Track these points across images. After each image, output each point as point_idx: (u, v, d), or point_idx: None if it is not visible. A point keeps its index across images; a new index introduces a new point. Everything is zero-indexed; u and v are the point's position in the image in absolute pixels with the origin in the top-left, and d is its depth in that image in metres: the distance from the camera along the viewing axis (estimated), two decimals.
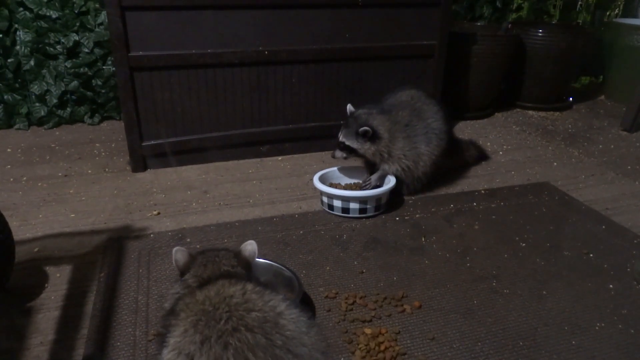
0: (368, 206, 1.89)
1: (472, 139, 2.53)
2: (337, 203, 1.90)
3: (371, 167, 2.08)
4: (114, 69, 2.70)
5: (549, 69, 3.13)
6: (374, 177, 2.02)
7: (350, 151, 2.00)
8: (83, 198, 2.04)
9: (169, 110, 2.27)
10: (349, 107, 2.07)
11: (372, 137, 1.95)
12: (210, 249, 1.11)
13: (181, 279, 1.04)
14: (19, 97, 2.72)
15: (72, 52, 2.70)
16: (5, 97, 2.70)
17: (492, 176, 2.31)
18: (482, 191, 2.15)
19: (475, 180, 2.27)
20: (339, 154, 2.02)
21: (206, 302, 0.91)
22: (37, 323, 1.35)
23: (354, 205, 1.88)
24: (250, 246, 1.09)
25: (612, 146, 2.70)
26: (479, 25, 3.34)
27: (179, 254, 1.05)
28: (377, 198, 1.90)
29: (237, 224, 1.85)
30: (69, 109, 2.82)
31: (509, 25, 3.20)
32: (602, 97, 3.60)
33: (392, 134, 1.99)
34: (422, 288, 1.51)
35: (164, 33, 2.15)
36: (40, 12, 2.59)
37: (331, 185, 2.04)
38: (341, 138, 2.00)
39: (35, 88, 2.70)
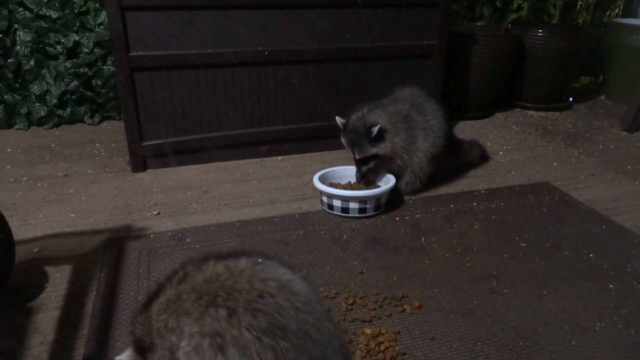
0: (367, 206, 1.89)
1: (475, 139, 2.52)
2: (337, 203, 1.90)
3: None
4: (114, 69, 2.70)
5: (549, 69, 3.13)
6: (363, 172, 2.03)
7: (371, 159, 1.97)
8: (83, 198, 2.04)
9: (169, 110, 2.27)
10: (339, 120, 2.04)
11: (382, 135, 1.93)
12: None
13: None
14: (19, 97, 2.72)
15: (72, 52, 2.70)
16: (5, 97, 2.70)
17: (492, 176, 2.31)
18: (482, 191, 2.15)
19: (475, 180, 2.27)
20: (364, 168, 1.99)
21: (214, 280, 0.89)
22: (37, 323, 1.35)
23: (353, 205, 1.88)
24: None
25: (612, 146, 2.70)
26: (479, 25, 3.34)
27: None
28: (377, 198, 1.90)
29: (237, 224, 1.85)
30: (69, 109, 2.82)
31: (509, 25, 3.20)
32: (602, 97, 3.60)
33: (394, 124, 1.98)
34: (422, 288, 1.51)
35: (164, 33, 2.15)
36: (40, 12, 2.59)
37: (331, 185, 2.04)
38: (357, 156, 1.97)
39: (35, 88, 2.70)
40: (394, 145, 1.98)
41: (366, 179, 2.03)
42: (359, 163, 1.99)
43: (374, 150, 1.95)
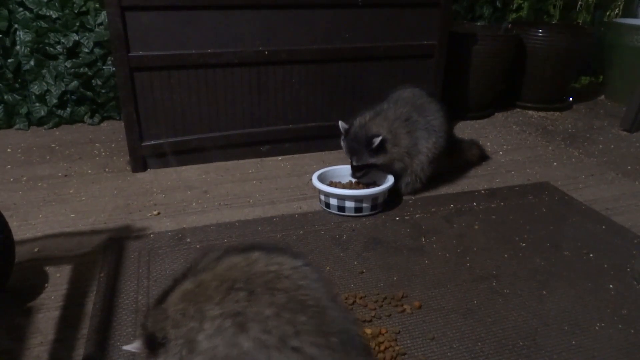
0: (364, 205, 1.89)
1: (474, 139, 2.52)
2: (333, 201, 1.90)
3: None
4: (114, 69, 2.70)
5: (549, 69, 3.13)
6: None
7: (369, 167, 1.98)
8: (83, 198, 2.04)
9: (169, 110, 2.27)
10: (341, 125, 2.03)
11: (381, 145, 1.93)
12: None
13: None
14: (19, 97, 2.72)
15: (72, 52, 2.70)
16: (5, 97, 2.70)
17: (492, 176, 2.31)
18: (482, 191, 2.15)
19: (475, 180, 2.27)
20: (359, 174, 2.00)
21: (233, 268, 0.92)
22: (37, 323, 1.35)
23: (349, 204, 1.88)
24: None
25: (612, 146, 2.70)
26: (479, 25, 3.34)
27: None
28: (374, 197, 1.90)
29: (237, 224, 1.85)
30: (69, 109, 2.82)
31: (509, 25, 3.20)
32: (602, 97, 3.60)
33: (395, 131, 1.98)
34: (422, 288, 1.51)
35: (164, 33, 2.15)
36: (40, 12, 2.59)
37: (331, 183, 2.04)
38: (355, 162, 1.97)
39: (35, 88, 2.70)
40: (393, 154, 1.98)
41: (362, 180, 2.04)
42: (355, 169, 2.00)
43: (373, 160, 1.95)
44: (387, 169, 2.03)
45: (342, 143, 2.02)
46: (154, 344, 0.92)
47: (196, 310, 0.89)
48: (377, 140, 1.90)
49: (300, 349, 0.84)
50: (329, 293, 0.96)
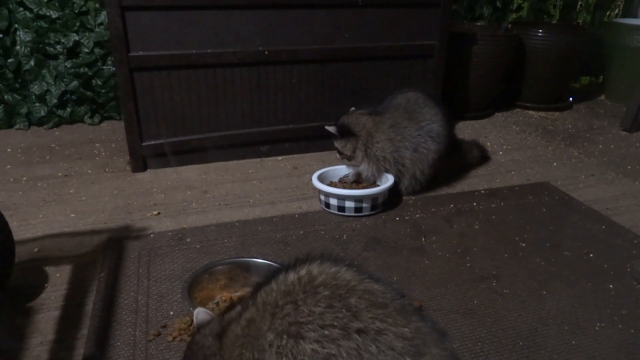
0: (364, 205, 1.89)
1: (475, 140, 2.52)
2: (333, 201, 1.90)
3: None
4: (114, 69, 2.70)
5: (549, 69, 3.13)
6: (351, 173, 2.09)
7: (339, 152, 2.07)
8: (83, 198, 2.04)
9: (169, 110, 2.27)
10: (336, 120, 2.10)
11: (346, 134, 2.01)
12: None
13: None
14: (19, 97, 2.72)
15: (72, 52, 2.70)
16: (6, 97, 2.70)
17: (492, 176, 2.31)
18: (482, 191, 2.15)
19: (475, 180, 2.27)
20: (339, 156, 2.10)
21: (269, 294, 0.91)
22: (37, 323, 1.35)
23: (349, 204, 1.89)
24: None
25: (612, 146, 2.70)
26: (479, 25, 3.34)
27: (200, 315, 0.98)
28: (373, 197, 1.90)
29: (237, 224, 1.85)
30: (69, 109, 2.82)
31: (509, 25, 3.20)
32: (602, 97, 3.60)
33: (370, 132, 2.00)
34: (422, 288, 1.51)
35: (164, 33, 2.15)
36: (40, 12, 2.59)
37: (331, 183, 2.04)
38: (335, 143, 2.08)
39: (35, 88, 2.70)
40: (362, 150, 2.00)
41: (348, 177, 2.11)
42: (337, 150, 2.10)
43: (335, 144, 2.05)
44: (384, 168, 2.03)
45: None
46: None
47: (254, 349, 0.87)
48: (329, 127, 2.01)
49: (365, 328, 0.85)
50: (365, 273, 0.96)
